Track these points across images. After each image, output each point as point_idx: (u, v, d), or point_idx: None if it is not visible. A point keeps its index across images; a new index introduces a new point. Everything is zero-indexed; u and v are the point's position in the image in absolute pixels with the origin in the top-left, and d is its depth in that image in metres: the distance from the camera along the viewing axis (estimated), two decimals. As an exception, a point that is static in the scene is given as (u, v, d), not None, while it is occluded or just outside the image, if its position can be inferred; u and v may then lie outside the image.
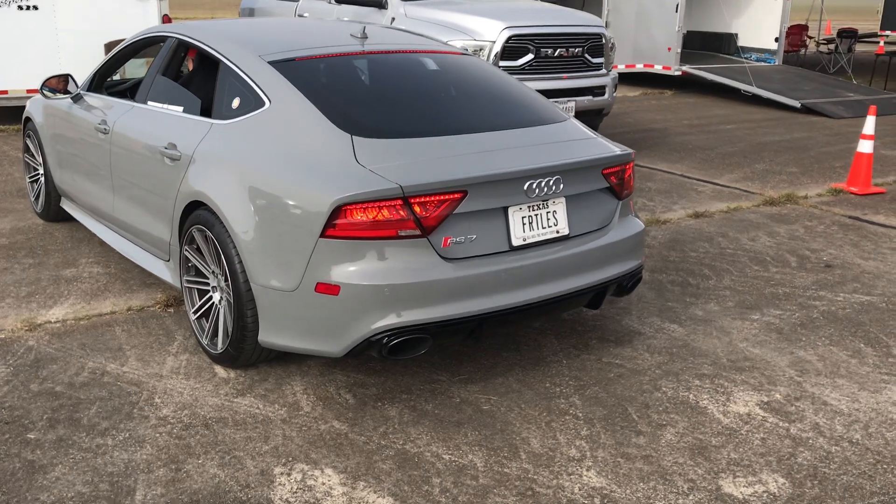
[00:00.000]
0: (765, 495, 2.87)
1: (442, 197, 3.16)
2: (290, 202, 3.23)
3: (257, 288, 3.37)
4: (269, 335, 3.40)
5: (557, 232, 3.52)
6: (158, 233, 4.17)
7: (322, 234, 3.12)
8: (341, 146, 3.31)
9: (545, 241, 3.48)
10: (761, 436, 3.25)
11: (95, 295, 4.55)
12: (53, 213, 5.75)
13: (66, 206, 5.56)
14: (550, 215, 3.50)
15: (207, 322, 3.78)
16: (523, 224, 3.41)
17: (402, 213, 3.11)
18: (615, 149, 3.80)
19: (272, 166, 3.40)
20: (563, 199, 3.54)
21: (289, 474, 2.94)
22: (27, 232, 5.64)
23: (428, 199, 3.13)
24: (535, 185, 3.38)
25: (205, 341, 3.78)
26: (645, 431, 3.26)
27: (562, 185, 3.46)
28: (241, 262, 3.42)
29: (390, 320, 3.13)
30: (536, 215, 3.45)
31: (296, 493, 2.83)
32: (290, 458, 3.03)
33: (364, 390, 3.54)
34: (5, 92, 9.36)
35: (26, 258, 5.12)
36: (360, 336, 3.15)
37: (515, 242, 3.39)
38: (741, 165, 8.36)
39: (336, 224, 3.10)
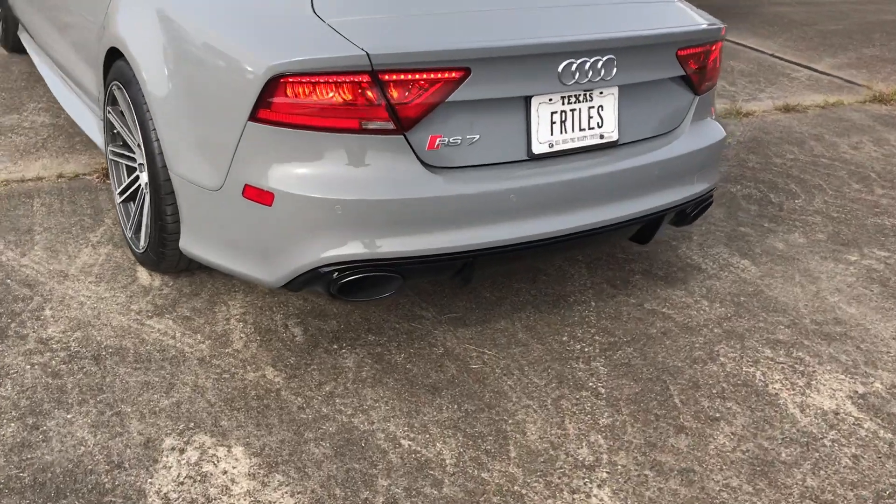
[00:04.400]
0: (853, 558, 1.98)
1: (431, 75, 2.13)
2: (217, 64, 2.25)
3: (177, 179, 2.45)
4: (189, 243, 2.51)
5: (602, 136, 2.48)
6: (90, 84, 3.24)
7: (252, 116, 2.15)
8: (294, -14, 2.27)
9: (583, 149, 2.46)
10: (853, 451, 2.32)
11: (28, 152, 3.69)
12: (12, 42, 4.85)
13: (23, 37, 4.64)
14: (594, 112, 2.45)
15: (134, 207, 2.91)
16: (552, 122, 2.37)
17: (369, 94, 2.10)
18: (700, 20, 2.69)
19: (201, 11, 2.39)
20: (614, 90, 2.47)
21: (182, 451, 2.12)
22: (-20, 63, 4.76)
23: (409, 76, 2.11)
24: (574, 67, 2.32)
25: (129, 234, 2.92)
26: (689, 427, 2.35)
27: (615, 70, 2.39)
28: (158, 139, 2.48)
29: (344, 250, 2.19)
30: (573, 111, 2.41)
31: (182, 483, 2.02)
32: (192, 425, 2.20)
33: (320, 323, 2.67)
34: None
35: (-35, 96, 4.26)
36: (300, 266, 2.24)
37: (538, 149, 2.37)
38: (845, 48, 6.97)
39: (272, 102, 2.11)
